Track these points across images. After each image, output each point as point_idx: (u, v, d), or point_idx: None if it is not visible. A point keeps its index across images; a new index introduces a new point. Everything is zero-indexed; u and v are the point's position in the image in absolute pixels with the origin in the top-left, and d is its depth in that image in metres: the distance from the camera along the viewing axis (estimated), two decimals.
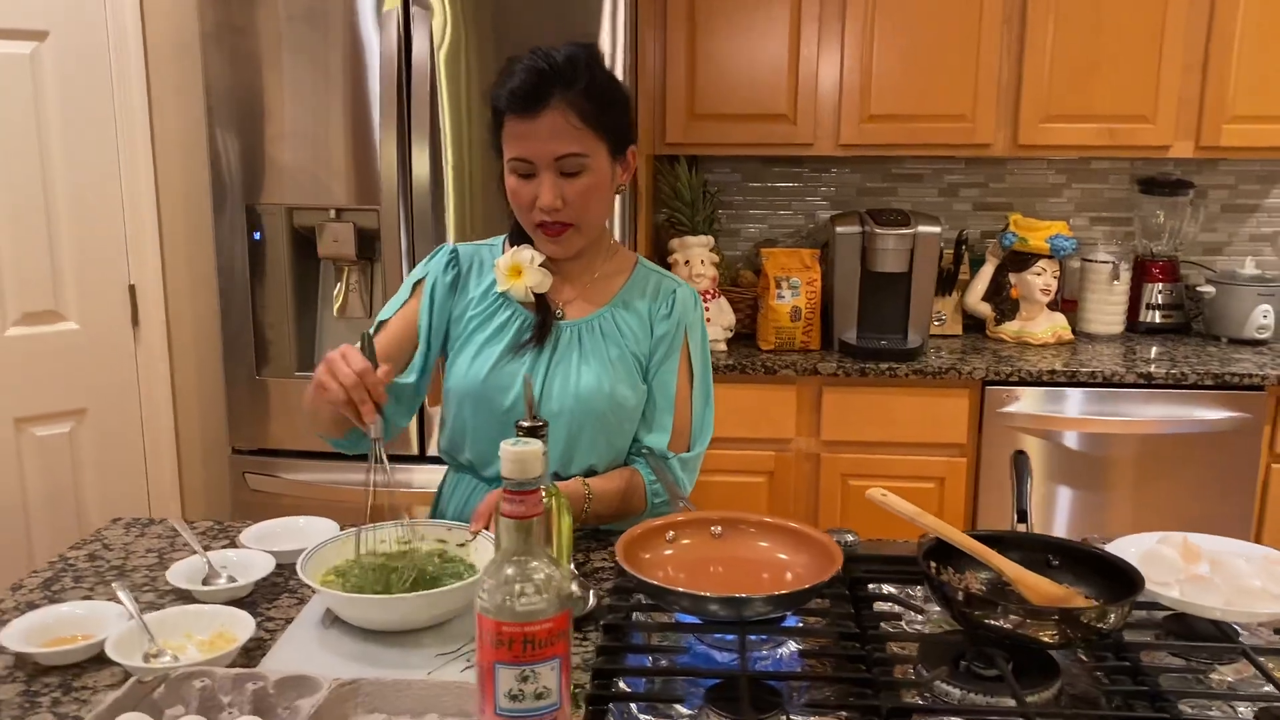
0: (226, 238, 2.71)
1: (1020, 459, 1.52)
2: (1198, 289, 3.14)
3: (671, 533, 1.42)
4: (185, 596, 1.40)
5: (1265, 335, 3.01)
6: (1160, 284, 3.19)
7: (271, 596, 1.41)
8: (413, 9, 2.51)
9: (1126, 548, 1.39)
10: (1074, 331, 3.12)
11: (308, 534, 1.56)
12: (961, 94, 2.94)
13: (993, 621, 1.19)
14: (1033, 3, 2.88)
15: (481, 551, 1.41)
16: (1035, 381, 2.78)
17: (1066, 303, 3.19)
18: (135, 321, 2.84)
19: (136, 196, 2.79)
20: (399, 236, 2.61)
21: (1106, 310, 3.13)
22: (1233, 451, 2.77)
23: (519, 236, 1.68)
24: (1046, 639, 1.18)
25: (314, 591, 1.30)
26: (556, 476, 1.64)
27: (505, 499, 0.95)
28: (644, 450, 1.64)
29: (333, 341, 2.79)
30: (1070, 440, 2.79)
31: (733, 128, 3.00)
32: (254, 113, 2.63)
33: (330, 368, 1.40)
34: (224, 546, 1.56)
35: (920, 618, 1.35)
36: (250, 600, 1.39)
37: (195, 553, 1.49)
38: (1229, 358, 2.88)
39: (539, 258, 1.63)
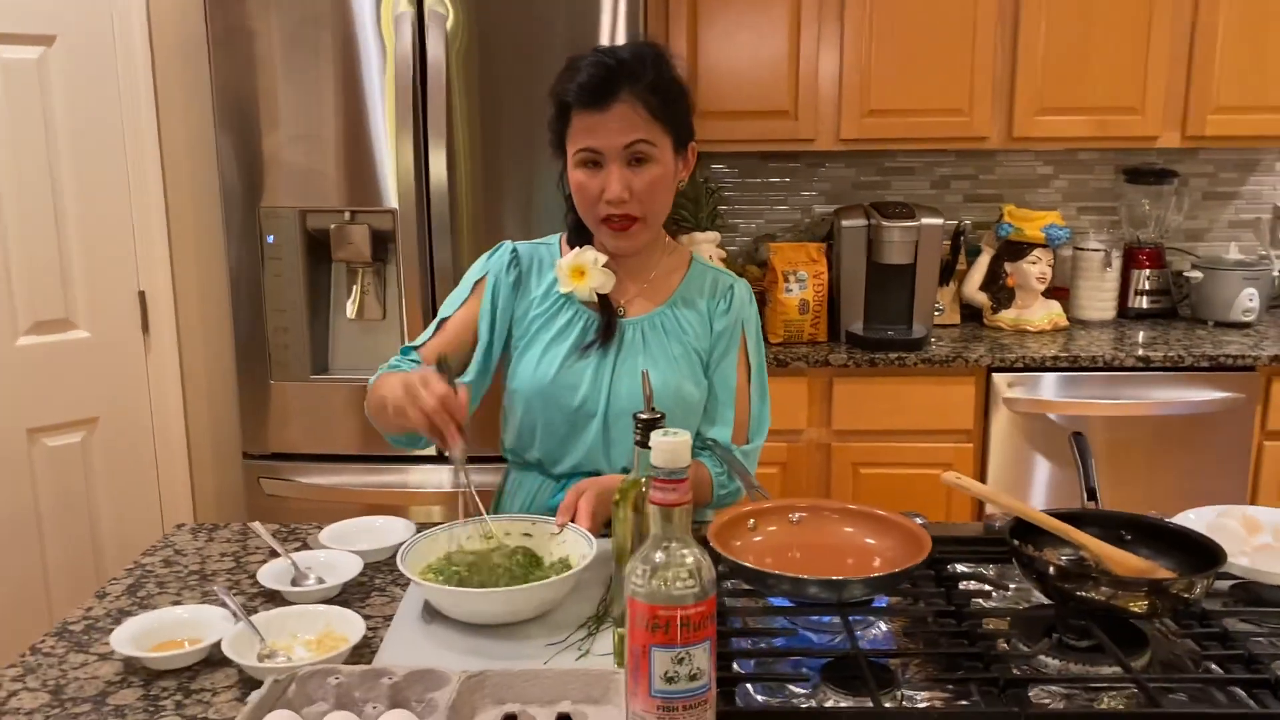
0: (237, 242, 2.70)
1: (1079, 439, 1.57)
2: (1184, 275, 3.24)
3: (752, 521, 1.46)
4: (274, 598, 1.41)
5: (1250, 318, 3.12)
6: (1147, 270, 3.29)
7: (361, 596, 1.42)
8: (426, 12, 2.52)
9: (1188, 522, 1.46)
10: (1068, 318, 3.21)
11: (386, 534, 1.58)
12: (958, 88, 3.01)
13: (1085, 594, 1.25)
14: None
15: (570, 544, 1.43)
16: (1039, 367, 2.86)
17: (1058, 290, 3.27)
18: (145, 328, 2.81)
19: (145, 201, 2.77)
20: (417, 238, 2.62)
21: (1099, 297, 3.23)
22: (1226, 430, 2.87)
23: (578, 237, 1.70)
24: (1136, 609, 1.23)
25: (407, 588, 1.32)
26: (625, 471, 1.67)
27: (656, 488, 0.98)
28: (709, 443, 1.68)
29: (348, 344, 2.79)
30: (1072, 424, 2.87)
31: (735, 124, 3.05)
32: (264, 116, 2.62)
33: (411, 394, 1.41)
34: (296, 549, 1.57)
35: (1006, 594, 1.40)
36: (341, 600, 1.40)
37: (275, 555, 1.49)
38: (1219, 340, 2.98)
39: (602, 259, 1.66)
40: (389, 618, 1.36)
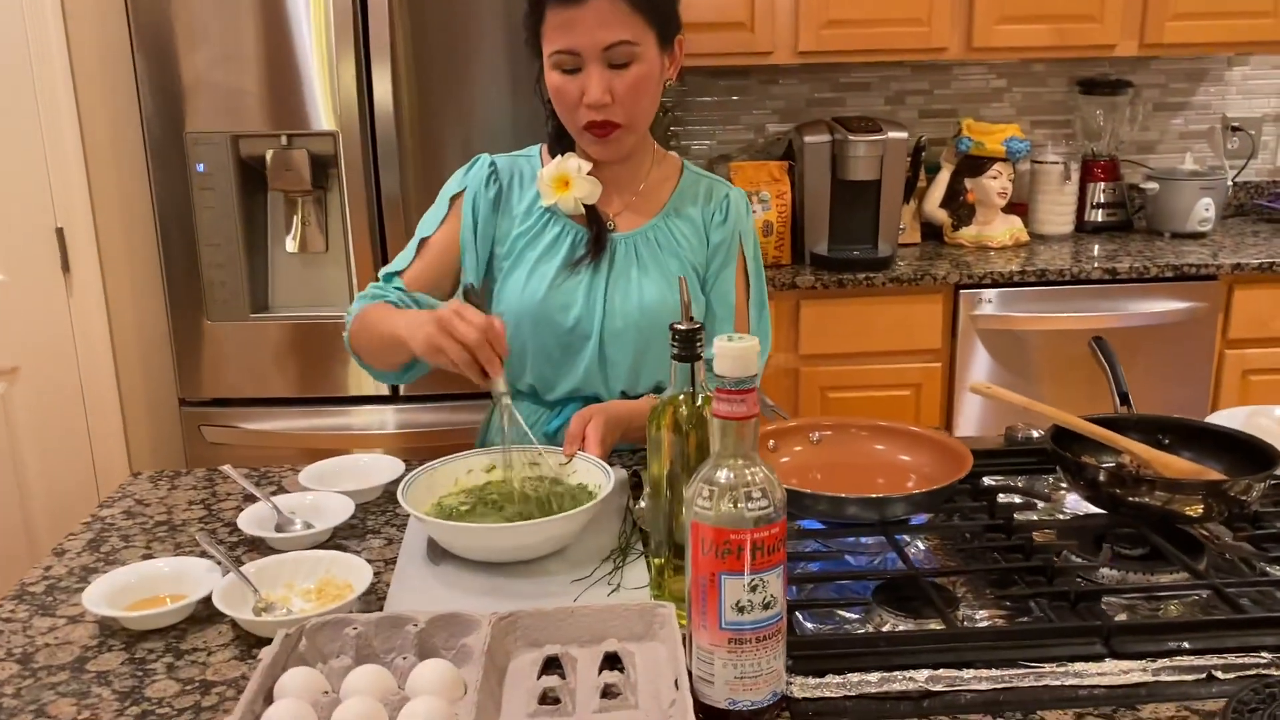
0: (163, 171, 2.49)
1: (1101, 344, 1.51)
2: (1140, 186, 3.22)
3: (772, 442, 1.37)
4: (258, 546, 1.28)
5: (1206, 228, 3.11)
6: (1103, 183, 3.26)
7: (355, 540, 1.30)
8: None
9: (1222, 423, 1.41)
10: (1028, 233, 3.17)
11: (371, 473, 1.45)
12: None
13: (1139, 500, 1.19)
14: None
15: (583, 473, 1.32)
16: (1007, 283, 2.81)
17: (1016, 206, 3.23)
18: (66, 268, 2.59)
19: (58, 129, 2.53)
20: (362, 163, 2.45)
21: (1057, 211, 3.19)
22: (1189, 340, 2.87)
23: (560, 145, 1.57)
24: (1191, 513, 1.18)
25: (405, 529, 1.20)
26: (625, 395, 1.56)
27: (721, 399, 0.88)
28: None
29: (289, 280, 2.62)
30: (1040, 339, 2.84)
31: (690, 38, 2.88)
32: (188, 33, 2.40)
33: (447, 327, 1.26)
34: (273, 493, 1.43)
35: (1045, 505, 1.34)
36: (334, 546, 1.28)
37: (250, 500, 1.36)
38: (1180, 250, 2.97)
39: (586, 166, 1.53)
40: (390, 561, 1.24)
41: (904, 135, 2.86)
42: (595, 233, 1.55)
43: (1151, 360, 2.87)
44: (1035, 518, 1.29)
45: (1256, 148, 3.38)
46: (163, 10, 2.38)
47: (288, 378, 2.58)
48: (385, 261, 2.51)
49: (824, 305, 2.80)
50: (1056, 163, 3.16)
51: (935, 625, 1.03)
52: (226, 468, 1.46)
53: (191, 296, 2.55)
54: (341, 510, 1.31)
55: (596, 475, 1.30)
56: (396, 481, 1.39)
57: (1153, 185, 3.16)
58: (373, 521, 1.35)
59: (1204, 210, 3.09)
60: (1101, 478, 1.22)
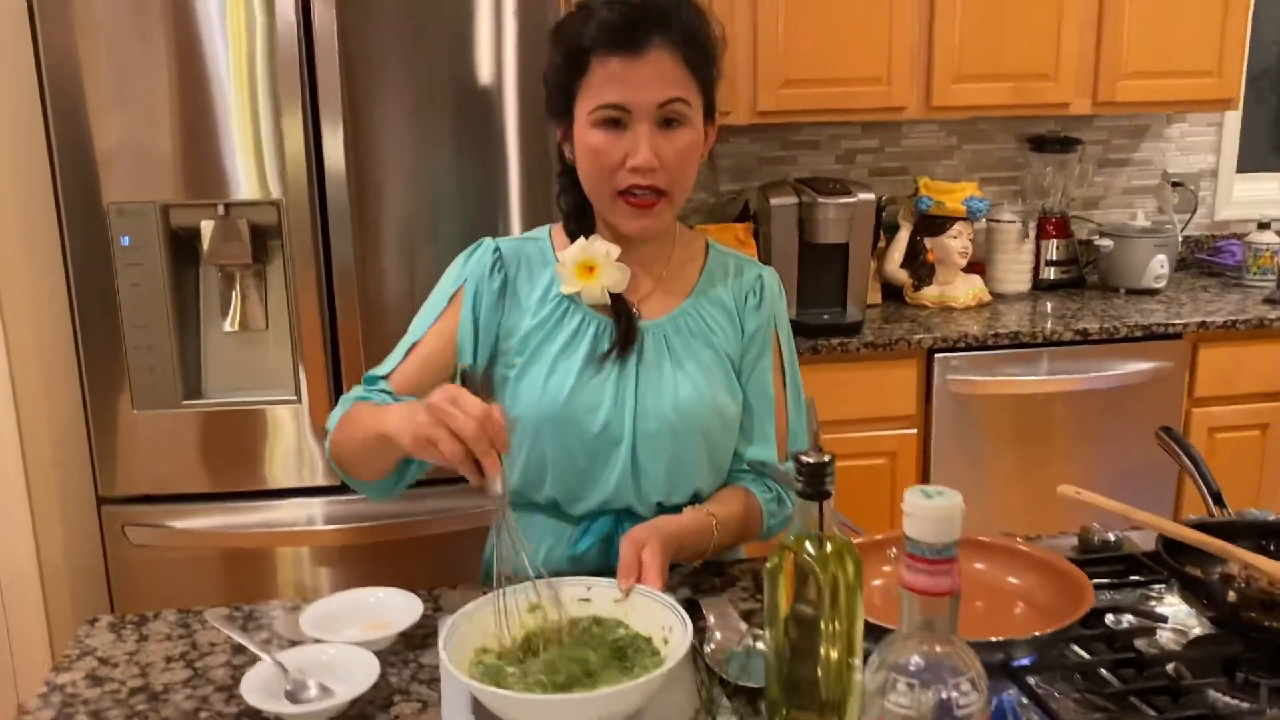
0: (81, 245, 2.23)
1: (1172, 433, 1.41)
2: (1094, 243, 3.20)
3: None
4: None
5: (1161, 284, 3.11)
6: (1056, 240, 3.24)
7: (380, 705, 1.10)
8: None
9: None
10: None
11: (383, 613, 1.24)
12: (877, 56, 2.85)
13: (1274, 624, 1.07)
14: None
15: (643, 612, 1.15)
16: (980, 346, 2.74)
17: (973, 265, 3.18)
18: None
19: None
20: (311, 231, 2.23)
21: (1015, 269, 3.16)
22: (1156, 399, 2.84)
23: (578, 224, 1.41)
24: None
25: (439, 686, 1.00)
26: (661, 506, 1.39)
27: (917, 569, 0.73)
28: (755, 465, 1.42)
29: (225, 362, 2.37)
30: (1015, 402, 2.78)
31: None
32: (109, 95, 2.16)
33: (441, 417, 1.08)
34: (264, 641, 1.22)
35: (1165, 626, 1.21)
36: (355, 715, 1.07)
37: (239, 650, 1.15)
38: (1141, 308, 2.96)
39: (615, 251, 1.37)
40: None
41: (872, 197, 2.78)
42: (624, 324, 1.38)
43: (1121, 420, 2.83)
44: (1161, 643, 1.16)
45: (1197, 202, 3.42)
46: (80, 70, 2.14)
47: (226, 470, 2.33)
48: (336, 339, 2.31)
49: None
50: (1013, 221, 3.12)
51: None
52: (208, 614, 1.23)
53: (114, 383, 2.29)
54: (362, 670, 1.11)
55: (661, 614, 1.13)
56: (418, 626, 1.20)
57: (1107, 242, 3.15)
58: (396, 678, 1.15)
59: (1159, 267, 3.09)
60: (1231, 597, 1.10)
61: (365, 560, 2.35)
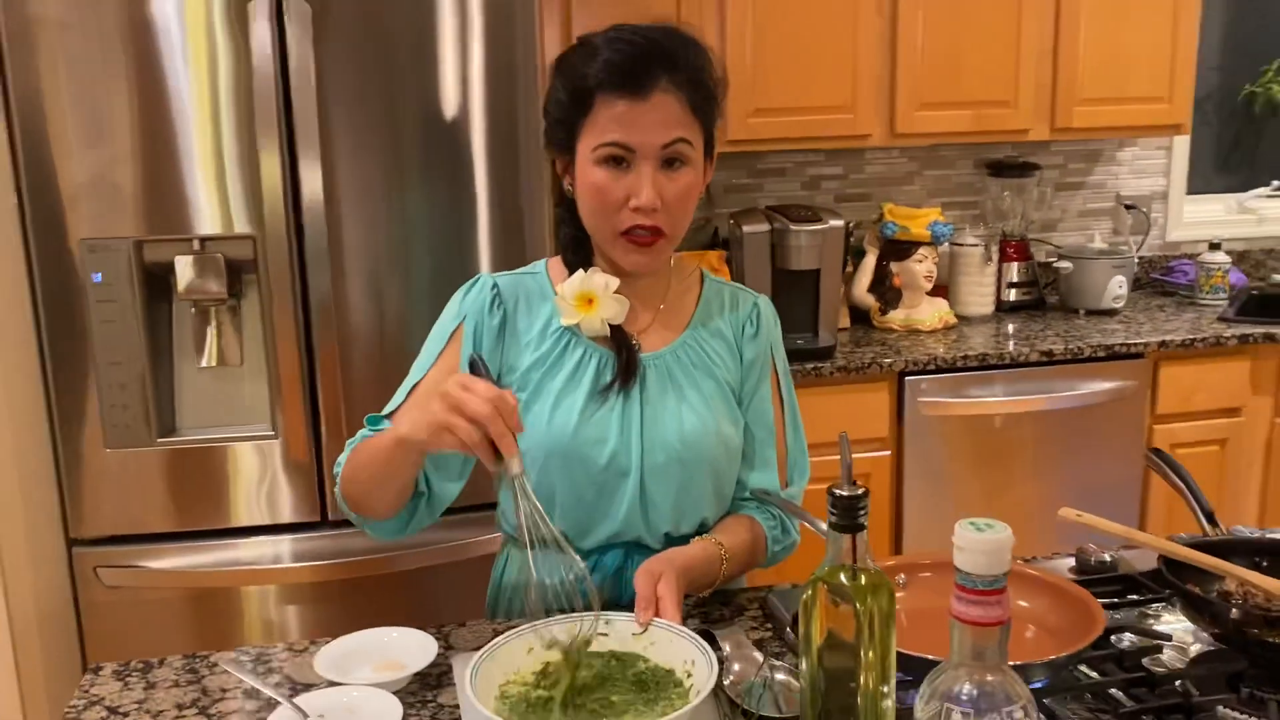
0: (51, 283, 2.19)
1: (1161, 455, 1.45)
2: (1054, 265, 3.28)
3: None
4: None
5: (1119, 305, 3.19)
6: (1016, 263, 3.31)
7: None
8: (287, 3, 2.13)
9: None
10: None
11: (395, 652, 1.23)
12: (842, 85, 2.91)
13: (1277, 640, 1.11)
14: None
15: (663, 645, 1.15)
16: (950, 368, 2.79)
17: (937, 288, 3.24)
18: None
19: None
20: (289, 265, 2.22)
21: (979, 292, 3.22)
22: (1120, 417, 2.91)
23: (576, 256, 1.42)
24: None
25: None
26: (669, 537, 1.40)
27: (968, 600, 0.74)
28: (758, 494, 1.44)
29: (200, 399, 2.34)
30: (986, 423, 2.83)
31: None
32: (81, 130, 2.13)
33: (454, 403, 1.10)
34: (276, 685, 1.20)
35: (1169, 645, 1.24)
36: None
37: (250, 695, 1.13)
38: (1103, 328, 3.03)
39: (614, 283, 1.38)
40: None
41: (841, 223, 2.83)
42: (625, 356, 1.39)
43: (1087, 439, 2.89)
44: (1165, 661, 1.19)
45: (1150, 224, 3.51)
46: (49, 105, 2.11)
47: (202, 508, 2.30)
48: (314, 372, 2.29)
49: None
50: (976, 245, 3.19)
51: None
52: (218, 658, 1.22)
53: (85, 421, 2.25)
54: (385, 713, 1.10)
55: (682, 647, 1.14)
56: (435, 665, 1.20)
57: (1066, 264, 3.23)
58: (417, 718, 1.14)
59: (1117, 288, 3.17)
60: (1234, 615, 1.13)
61: (347, 596, 2.32)
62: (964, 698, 0.74)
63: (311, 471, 2.31)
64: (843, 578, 0.92)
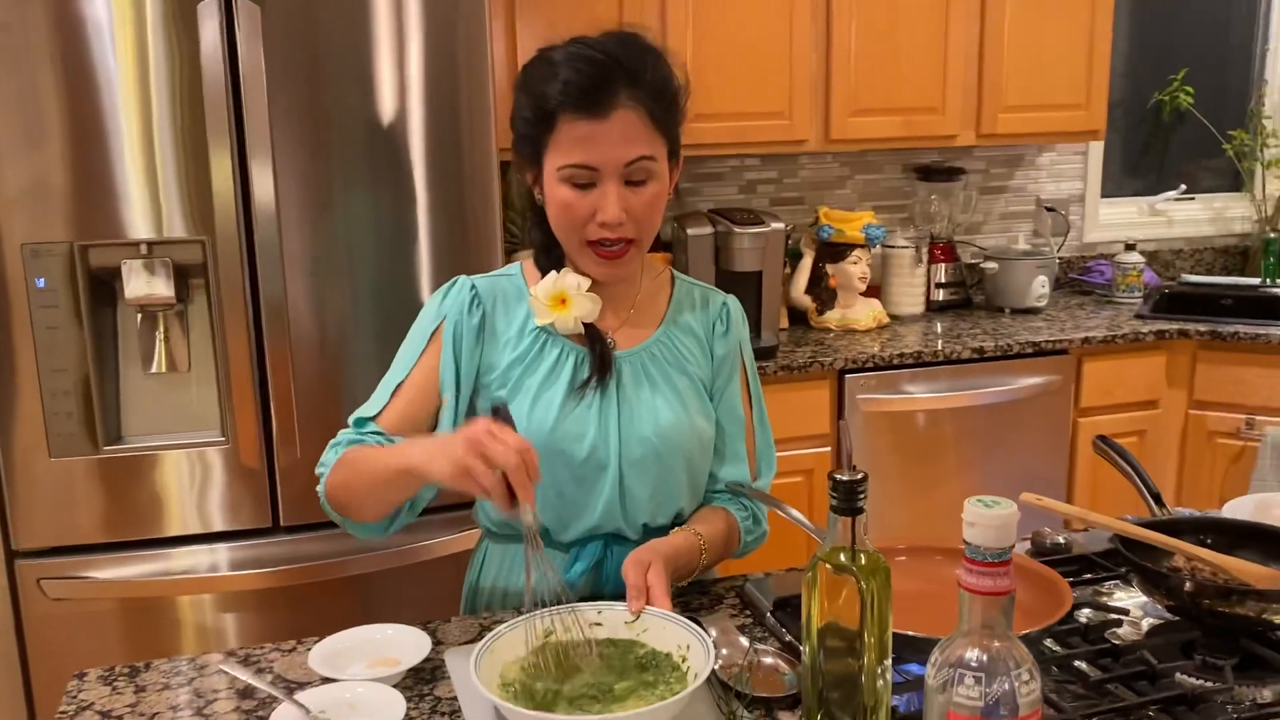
0: None
1: (1108, 443, 1.54)
2: (980, 266, 3.40)
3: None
4: None
5: (1043, 303, 3.33)
6: (944, 264, 3.43)
7: None
8: (236, 4, 2.11)
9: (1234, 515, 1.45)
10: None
11: (390, 649, 1.25)
12: (779, 92, 2.98)
13: (1227, 610, 1.19)
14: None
15: (657, 632, 1.19)
16: (887, 366, 2.88)
17: (870, 289, 3.33)
18: None
19: None
20: (240, 269, 2.20)
21: (910, 292, 3.32)
22: (1046, 411, 3.04)
23: (548, 258, 1.45)
24: None
25: (460, 716, 1.03)
26: (646, 528, 1.44)
27: (977, 572, 0.80)
28: (736, 485, 1.48)
29: (146, 405, 2.30)
30: (923, 418, 2.92)
31: None
32: (19, 132, 2.09)
33: (480, 449, 1.12)
34: (271, 682, 1.21)
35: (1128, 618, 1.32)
36: None
37: (246, 694, 1.14)
38: (1029, 326, 3.16)
39: (585, 283, 1.42)
40: None
41: (782, 226, 2.90)
42: (599, 352, 1.43)
43: (1016, 431, 3.01)
44: (1121, 635, 1.27)
45: (1069, 226, 3.67)
46: None
47: (151, 516, 2.26)
48: (265, 376, 2.27)
49: None
50: (907, 247, 3.29)
51: None
52: (214, 656, 1.22)
53: (28, 430, 2.20)
54: (387, 707, 1.12)
55: (676, 632, 1.18)
56: (427, 660, 1.22)
57: (992, 265, 3.35)
58: (417, 712, 1.16)
59: (1040, 287, 3.30)
60: (1188, 587, 1.21)
61: (303, 602, 2.31)
62: (974, 663, 0.79)
63: (263, 477, 2.29)
64: (842, 558, 0.96)
